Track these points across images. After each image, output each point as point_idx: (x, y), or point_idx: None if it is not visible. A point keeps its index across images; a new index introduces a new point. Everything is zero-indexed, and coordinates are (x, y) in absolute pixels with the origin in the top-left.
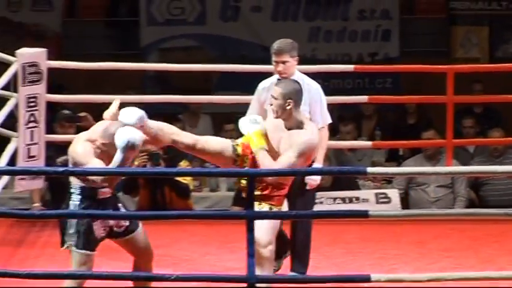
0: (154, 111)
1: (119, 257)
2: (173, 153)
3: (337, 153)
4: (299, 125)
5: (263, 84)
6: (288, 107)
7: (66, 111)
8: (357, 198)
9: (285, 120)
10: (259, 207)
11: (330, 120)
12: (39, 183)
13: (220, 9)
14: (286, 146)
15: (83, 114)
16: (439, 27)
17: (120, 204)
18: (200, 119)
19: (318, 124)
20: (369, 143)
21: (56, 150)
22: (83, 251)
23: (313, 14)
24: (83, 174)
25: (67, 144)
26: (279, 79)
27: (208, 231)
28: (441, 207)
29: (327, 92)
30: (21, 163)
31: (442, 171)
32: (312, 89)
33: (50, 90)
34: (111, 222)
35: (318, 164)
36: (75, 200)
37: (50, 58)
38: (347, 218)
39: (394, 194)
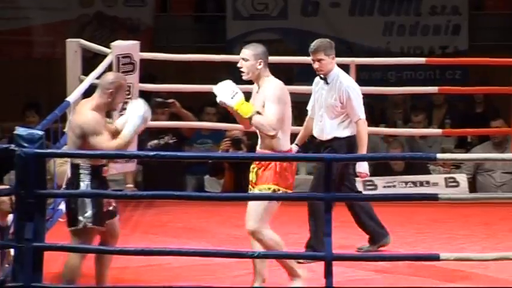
0: None
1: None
2: (255, 139)
3: (410, 141)
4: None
5: (315, 79)
6: (259, 67)
7: (158, 99)
8: (427, 182)
9: (255, 80)
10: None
11: (361, 116)
12: (132, 166)
13: (301, 4)
14: (259, 102)
15: (170, 100)
16: (505, 22)
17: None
18: None
19: (353, 119)
20: (439, 131)
21: (148, 135)
22: (98, 227)
23: (388, 9)
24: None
25: (159, 129)
26: (320, 77)
27: (289, 212)
28: (506, 192)
29: (400, 83)
30: None
31: (508, 158)
32: (342, 87)
33: (143, 79)
34: (111, 200)
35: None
36: (85, 180)
37: (142, 50)
38: (418, 201)
39: (462, 178)
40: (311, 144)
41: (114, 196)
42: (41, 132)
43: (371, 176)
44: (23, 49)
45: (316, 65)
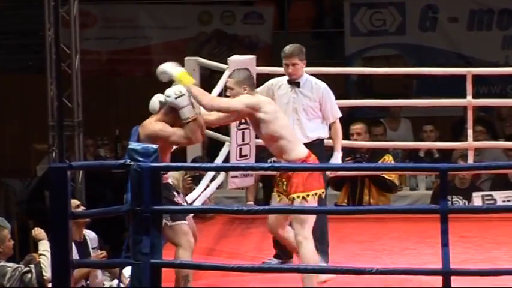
0: (357, 115)
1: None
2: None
3: None
4: None
5: (271, 82)
6: (245, 92)
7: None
8: None
9: None
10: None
11: (339, 114)
12: (250, 181)
13: (420, 20)
14: None
15: None
16: None
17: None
18: (401, 123)
19: (329, 119)
20: None
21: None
22: (180, 222)
23: (506, 23)
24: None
25: None
26: (288, 80)
27: (407, 228)
28: None
29: None
30: (234, 162)
31: None
32: (321, 88)
33: None
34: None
35: (337, 153)
36: None
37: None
38: None
39: None
40: (263, 152)
41: (229, 211)
42: (155, 146)
43: (490, 190)
44: (143, 68)
45: (290, 70)
